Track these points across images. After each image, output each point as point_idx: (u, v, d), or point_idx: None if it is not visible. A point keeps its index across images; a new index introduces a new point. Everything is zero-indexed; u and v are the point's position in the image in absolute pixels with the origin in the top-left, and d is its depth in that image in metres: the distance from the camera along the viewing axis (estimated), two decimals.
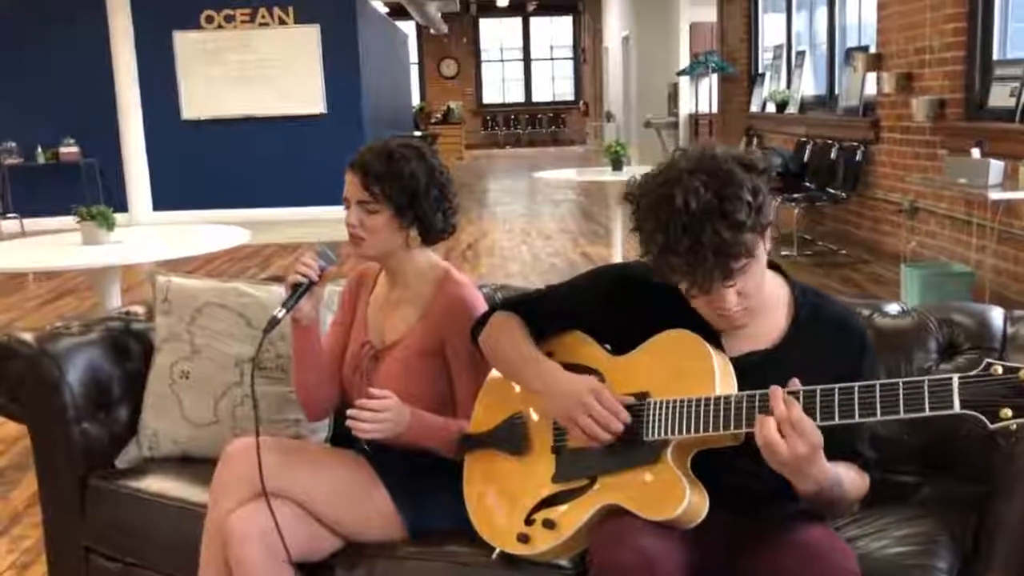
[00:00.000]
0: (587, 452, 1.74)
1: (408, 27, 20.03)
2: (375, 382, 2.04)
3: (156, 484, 2.26)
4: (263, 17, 10.62)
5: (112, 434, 2.38)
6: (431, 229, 2.06)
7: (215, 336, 2.41)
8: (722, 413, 1.58)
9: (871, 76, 7.10)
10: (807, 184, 7.85)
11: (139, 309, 2.64)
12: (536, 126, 24.82)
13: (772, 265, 1.71)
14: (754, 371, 1.64)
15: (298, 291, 2.00)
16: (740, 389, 1.62)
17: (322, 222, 10.20)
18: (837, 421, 1.47)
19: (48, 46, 10.37)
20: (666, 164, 1.61)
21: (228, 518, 1.91)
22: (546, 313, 1.92)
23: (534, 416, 1.87)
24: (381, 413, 1.92)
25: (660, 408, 1.65)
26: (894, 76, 6.40)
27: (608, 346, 1.84)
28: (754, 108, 10.10)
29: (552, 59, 25.40)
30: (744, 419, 1.56)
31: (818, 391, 1.49)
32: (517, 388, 1.92)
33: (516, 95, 25.26)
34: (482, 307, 2.06)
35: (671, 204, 1.53)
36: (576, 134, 24.18)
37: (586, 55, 23.26)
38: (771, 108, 9.41)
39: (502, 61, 25.31)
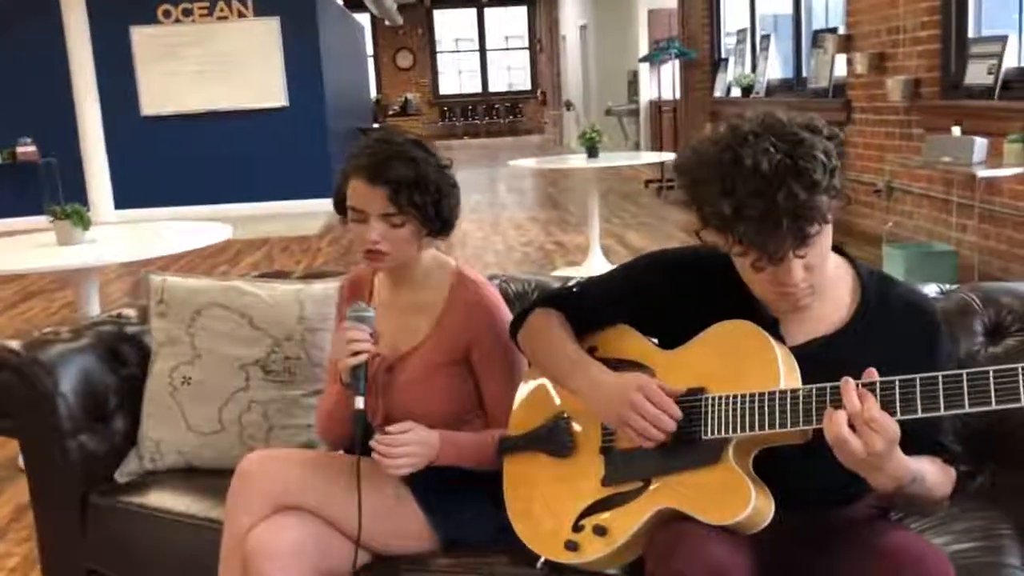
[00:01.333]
0: (639, 452, 1.63)
1: (363, 19, 19.75)
2: (392, 394, 1.92)
3: (161, 499, 2.13)
4: (221, 10, 10.37)
5: (111, 447, 2.24)
6: (446, 228, 1.94)
7: (217, 338, 2.27)
8: (788, 408, 1.48)
9: (840, 58, 7.08)
10: None
11: (131, 312, 2.49)
12: (494, 116, 24.66)
13: (832, 246, 1.62)
14: (818, 358, 1.55)
15: (362, 370, 1.82)
16: (803, 378, 1.52)
17: (286, 216, 10.04)
18: (920, 415, 1.37)
19: (1, 44, 10.04)
20: (725, 130, 1.49)
21: (249, 535, 1.79)
22: (588, 307, 1.81)
23: (579, 415, 1.77)
24: (409, 447, 1.80)
25: (719, 404, 1.55)
26: (867, 57, 6.38)
27: (654, 340, 1.74)
28: (718, 93, 10.07)
29: (508, 49, 25.26)
30: (814, 414, 1.45)
31: (897, 383, 1.38)
32: (557, 387, 1.82)
33: (472, 86, 25.08)
34: (501, 304, 1.95)
35: (740, 166, 1.42)
36: (534, 124, 24.08)
37: (542, 44, 23.16)
38: (736, 93, 9.38)
39: (457, 52, 25.11)
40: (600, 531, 1.64)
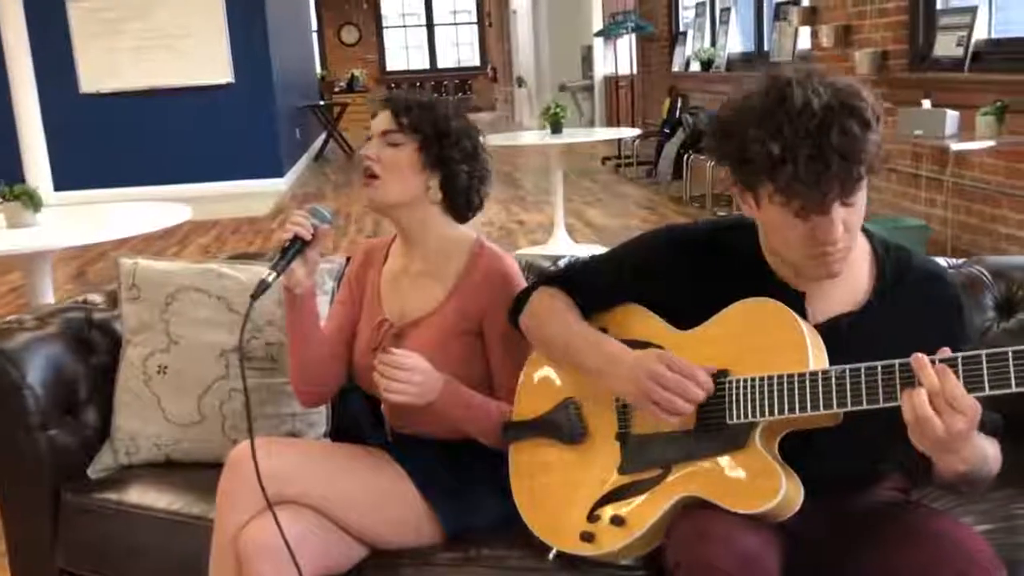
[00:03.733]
0: (659, 438, 1.55)
1: None
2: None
3: (140, 495, 2.00)
4: None
5: (82, 441, 2.10)
6: (455, 186, 1.83)
7: (193, 324, 2.14)
8: (821, 390, 1.40)
9: (804, 31, 7.05)
10: None
11: (97, 297, 2.34)
12: (443, 93, 24.34)
13: None
14: (842, 337, 1.48)
15: (290, 251, 1.74)
16: (829, 356, 1.44)
17: (234, 197, 9.78)
18: (987, 392, 1.28)
19: None
20: (763, 79, 1.42)
21: (243, 532, 1.67)
22: (595, 287, 1.71)
23: (591, 400, 1.68)
24: (408, 372, 1.69)
25: (744, 386, 1.47)
26: (833, 29, 6.35)
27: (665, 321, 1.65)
28: (676, 68, 10.01)
29: (456, 24, 24.97)
30: (848, 396, 1.38)
31: (960, 359, 1.30)
32: (565, 371, 1.72)
33: (420, 62, 24.77)
34: (520, 277, 1.86)
35: (788, 106, 1.34)
36: (484, 100, 23.86)
37: (491, 19, 22.91)
38: (696, 67, 9.33)
39: (404, 27, 24.77)
40: (618, 521, 1.56)
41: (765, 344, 1.49)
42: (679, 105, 9.46)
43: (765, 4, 8.04)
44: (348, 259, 2.15)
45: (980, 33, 5.13)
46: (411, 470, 1.79)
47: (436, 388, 1.71)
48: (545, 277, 1.79)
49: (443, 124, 1.81)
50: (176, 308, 2.14)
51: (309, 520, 1.70)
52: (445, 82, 24.40)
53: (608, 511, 1.57)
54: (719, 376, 1.51)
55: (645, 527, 1.52)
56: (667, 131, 9.14)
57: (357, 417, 2.15)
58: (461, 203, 1.86)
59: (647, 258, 1.66)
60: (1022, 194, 4.69)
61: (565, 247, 6.25)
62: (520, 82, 17.68)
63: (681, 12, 10.31)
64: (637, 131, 8.80)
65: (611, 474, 1.60)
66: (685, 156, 8.04)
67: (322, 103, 15.60)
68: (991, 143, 4.63)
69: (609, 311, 1.70)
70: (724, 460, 1.48)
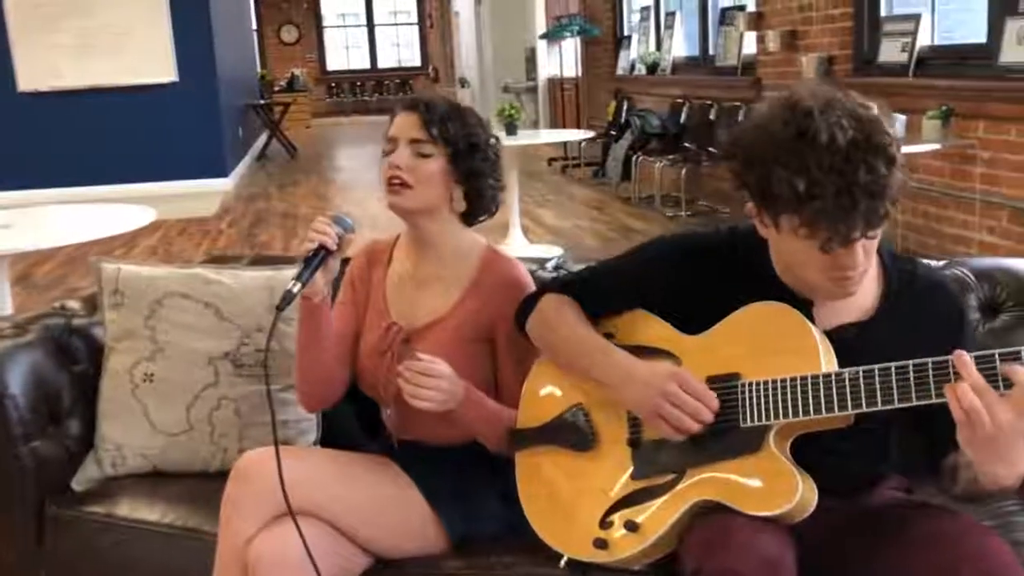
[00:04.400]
0: (671, 443, 1.56)
1: None
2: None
3: (130, 507, 1.95)
4: None
5: (65, 452, 2.04)
6: (479, 197, 1.83)
7: (181, 331, 2.09)
8: (835, 392, 1.43)
9: (749, 35, 7.16)
10: (687, 145, 7.90)
11: (74, 303, 2.28)
12: (384, 93, 24.23)
13: None
14: (850, 344, 1.50)
15: (315, 261, 1.71)
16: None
17: (179, 198, 9.59)
18: (1002, 392, 1.30)
19: None
20: (778, 105, 1.42)
21: (252, 543, 1.65)
22: (603, 293, 1.72)
23: (599, 406, 1.68)
24: (436, 379, 1.68)
25: (757, 390, 1.49)
26: (779, 34, 6.46)
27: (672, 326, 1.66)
28: (622, 70, 10.08)
29: (396, 24, 24.83)
30: (863, 398, 1.40)
31: (997, 355, 1.32)
32: (571, 377, 1.72)
33: (361, 62, 24.58)
34: (532, 285, 1.85)
35: (813, 142, 1.34)
36: None
37: (432, 20, 22.84)
38: (641, 70, 9.41)
39: (344, 27, 24.56)
40: (632, 527, 1.57)
41: (776, 348, 1.51)
42: (625, 107, 9.54)
43: (710, 9, 8.14)
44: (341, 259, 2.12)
45: (924, 40, 5.26)
46: (417, 477, 1.78)
47: (459, 394, 1.71)
48: (553, 282, 1.79)
49: (474, 136, 1.80)
50: (162, 314, 2.10)
51: (317, 529, 1.67)
52: (386, 82, 24.26)
53: (621, 517, 1.58)
54: (730, 380, 1.53)
55: (660, 532, 1.53)
56: (613, 133, 9.21)
57: (346, 424, 2.14)
58: (481, 211, 1.86)
59: (656, 265, 1.68)
60: (967, 196, 4.83)
61: (521, 248, 6.26)
62: (463, 83, 17.65)
63: (626, 16, 10.38)
64: (591, 133, 8.85)
65: (623, 480, 1.61)
66: (634, 157, 8.11)
67: (264, 102, 15.39)
68: (937, 146, 4.77)
69: (616, 317, 1.71)
70: (739, 463, 1.49)
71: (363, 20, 24.51)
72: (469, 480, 1.81)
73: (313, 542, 1.65)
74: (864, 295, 1.55)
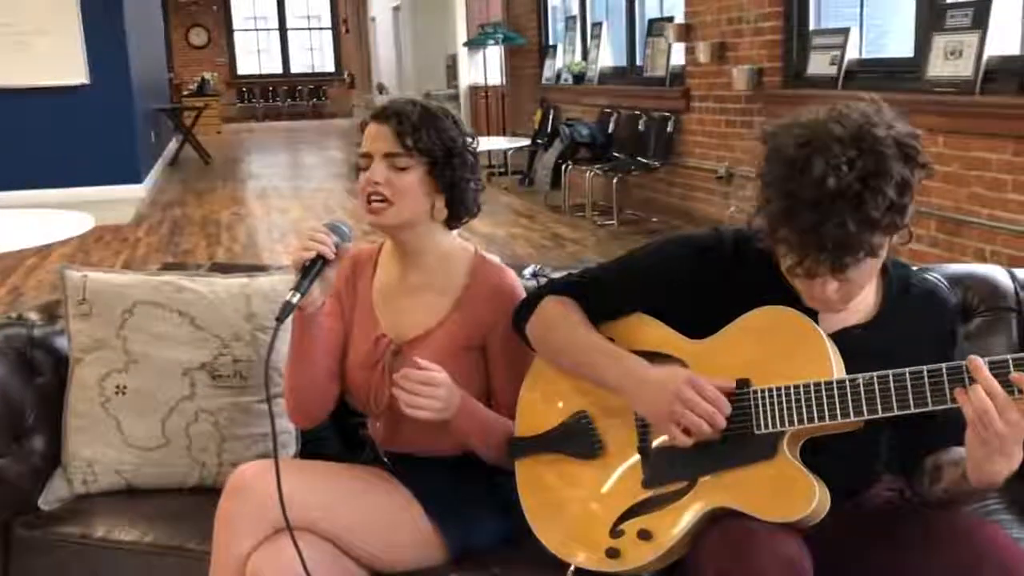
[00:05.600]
0: (682, 451, 1.55)
1: None
2: None
3: (107, 527, 1.85)
4: None
5: (30, 469, 1.93)
6: (461, 202, 1.79)
7: (154, 341, 2.00)
8: (849, 398, 1.44)
9: (678, 47, 7.27)
10: (616, 154, 7.98)
11: (31, 313, 2.16)
12: (296, 98, 23.90)
13: None
14: (854, 348, 1.52)
15: (312, 271, 1.65)
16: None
17: (92, 204, 9.25)
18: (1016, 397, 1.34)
19: None
20: (816, 121, 1.42)
21: (251, 560, 1.58)
22: (606, 295, 1.70)
23: (604, 413, 1.66)
24: (434, 388, 1.64)
25: (770, 396, 1.50)
26: (709, 46, 6.58)
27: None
28: (547, 79, 10.14)
29: (309, 29, 24.51)
30: (879, 403, 1.41)
31: (1010, 359, 1.34)
32: (572, 383, 1.70)
33: (273, 66, 24.19)
34: (523, 292, 1.82)
35: (806, 173, 1.36)
36: (340, 107, 23.50)
37: (348, 26, 22.61)
38: (568, 79, 9.47)
39: (256, 30, 24.13)
40: (645, 535, 1.55)
41: (785, 353, 1.51)
42: (551, 116, 9.59)
43: (638, 20, 8.25)
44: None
45: (852, 53, 5.43)
46: (415, 490, 1.73)
47: (456, 403, 1.67)
48: (553, 284, 1.76)
49: (451, 143, 1.74)
50: (133, 324, 2.00)
51: (315, 545, 1.62)
52: (299, 87, 23.93)
53: (633, 526, 1.56)
54: (741, 386, 1.53)
55: (674, 540, 1.51)
56: (539, 142, 9.24)
57: (323, 435, 2.08)
58: (463, 214, 1.82)
59: (662, 266, 1.66)
60: None
61: None
62: (381, 89, 17.52)
63: (551, 25, 10.44)
64: (525, 141, 8.87)
65: (634, 488, 1.59)
66: (564, 166, 8.15)
67: (174, 107, 14.99)
68: None
69: (617, 321, 1.69)
70: (753, 470, 1.49)
71: (275, 24, 24.14)
72: (466, 491, 1.78)
73: (311, 558, 1.59)
74: (863, 299, 1.57)
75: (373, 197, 1.72)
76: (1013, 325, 2.02)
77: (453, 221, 1.81)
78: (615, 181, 7.49)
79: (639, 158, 7.63)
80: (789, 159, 1.39)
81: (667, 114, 7.36)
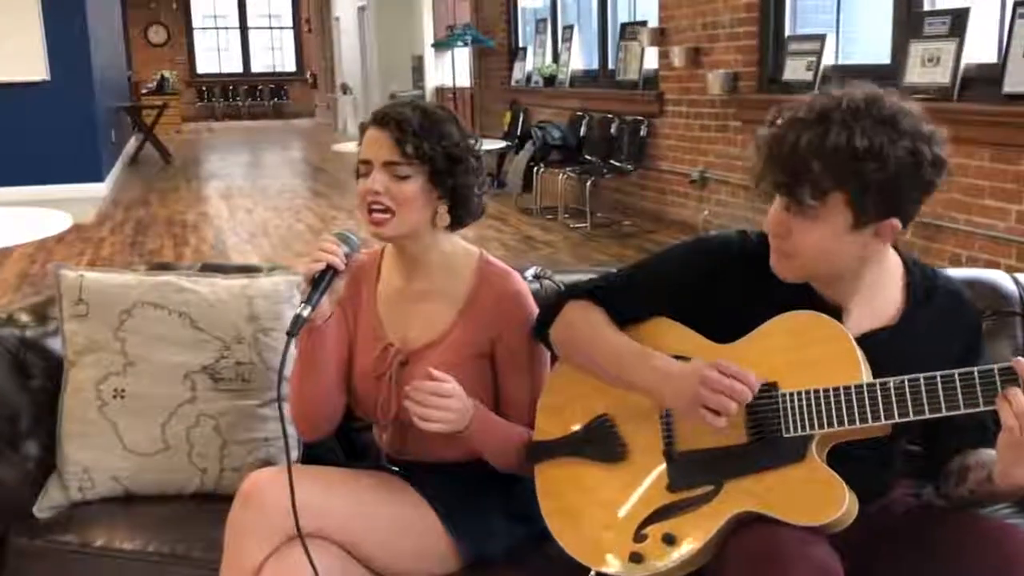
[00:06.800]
0: (709, 454, 1.54)
1: None
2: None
3: (107, 535, 1.79)
4: None
5: (25, 476, 1.86)
6: (465, 206, 1.74)
7: (153, 343, 1.94)
8: (880, 401, 1.43)
9: (651, 51, 7.29)
10: (588, 157, 7.98)
11: (21, 313, 2.08)
12: (257, 98, 23.65)
13: None
14: (879, 349, 1.51)
15: (323, 282, 1.61)
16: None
17: (52, 203, 9.05)
18: None
19: None
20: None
21: (263, 570, 1.53)
22: (629, 299, 1.68)
23: (627, 416, 1.64)
24: (447, 399, 1.60)
25: (799, 399, 1.48)
26: (684, 50, 6.60)
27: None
28: (516, 82, 10.12)
29: (271, 28, 24.27)
30: (910, 407, 1.40)
31: None
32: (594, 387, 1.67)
33: (233, 65, 23.91)
34: (531, 296, 1.79)
35: (822, 101, 1.42)
36: (302, 107, 23.30)
37: (311, 25, 22.42)
38: (538, 82, 9.46)
39: (216, 29, 23.85)
40: (669, 539, 1.53)
41: (813, 356, 1.50)
42: (521, 119, 9.58)
43: (610, 23, 8.25)
44: None
45: (829, 59, 5.47)
46: (429, 497, 1.69)
47: (469, 414, 1.63)
48: (574, 289, 1.74)
49: (453, 149, 1.68)
50: (132, 325, 1.94)
51: (329, 554, 1.58)
52: (259, 87, 23.69)
53: (657, 530, 1.54)
54: (769, 389, 1.51)
55: (699, 545, 1.50)
56: (509, 144, 9.22)
57: (326, 441, 2.03)
58: (467, 218, 1.77)
59: (685, 269, 1.65)
60: None
61: None
62: (345, 89, 17.39)
63: (521, 27, 10.43)
64: (502, 144, 8.84)
65: (658, 492, 1.57)
66: (535, 169, 8.13)
67: (134, 105, 14.75)
68: None
69: (639, 325, 1.67)
70: (782, 474, 1.48)
71: (236, 22, 23.87)
72: (480, 498, 1.74)
73: (325, 568, 1.55)
74: (890, 300, 1.57)
75: (374, 206, 1.67)
76: (1018, 329, 2.03)
77: (456, 225, 1.77)
78: (588, 184, 7.48)
79: (612, 161, 7.63)
80: (802, 106, 1.44)
81: (640, 118, 7.37)
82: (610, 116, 7.82)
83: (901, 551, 1.52)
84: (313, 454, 2.00)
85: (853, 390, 1.45)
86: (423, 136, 1.65)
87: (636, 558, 1.55)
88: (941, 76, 4.46)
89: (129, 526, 1.80)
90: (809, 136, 1.39)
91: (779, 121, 1.45)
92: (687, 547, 1.51)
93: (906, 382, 1.42)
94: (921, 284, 1.60)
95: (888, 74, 4.88)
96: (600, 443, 1.65)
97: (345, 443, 2.02)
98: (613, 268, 2.21)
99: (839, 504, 1.42)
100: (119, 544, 1.76)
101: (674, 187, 7.11)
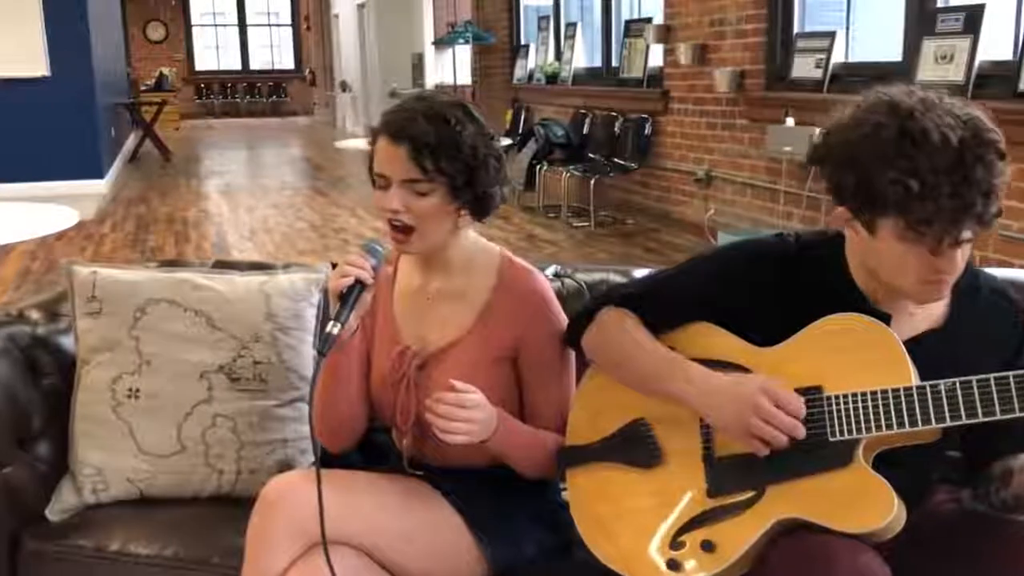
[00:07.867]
0: (751, 459, 1.48)
1: None
2: (428, 396, 1.62)
3: (123, 539, 1.73)
4: None
5: (37, 477, 1.81)
6: (487, 207, 1.67)
7: (169, 342, 1.89)
8: (931, 405, 1.38)
9: (656, 48, 7.24)
10: (591, 155, 7.93)
11: (31, 310, 2.03)
12: (255, 95, 23.59)
13: None
14: (928, 353, 1.46)
15: (351, 297, 1.55)
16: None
17: (53, 199, 8.98)
18: None
19: None
20: (879, 107, 1.38)
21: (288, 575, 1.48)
22: (667, 304, 1.62)
23: (663, 420, 1.59)
24: (470, 410, 1.55)
25: (846, 403, 1.43)
26: (690, 48, 6.55)
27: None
28: (518, 79, 10.06)
29: (270, 25, 24.20)
30: (962, 410, 1.36)
31: None
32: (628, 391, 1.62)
33: (232, 62, 23.84)
34: (554, 297, 1.73)
35: (924, 141, 1.31)
36: (301, 105, 23.24)
37: (309, 23, 22.36)
38: (541, 79, 9.40)
39: (215, 26, 23.78)
40: (708, 546, 1.48)
41: (860, 360, 1.45)
42: (523, 116, 9.52)
43: (614, 20, 8.20)
44: (334, 265, 1.96)
45: (838, 57, 5.42)
46: (456, 503, 1.64)
47: (493, 424, 1.58)
48: (608, 295, 1.68)
49: (472, 158, 1.59)
50: (146, 323, 1.89)
51: (355, 563, 1.52)
52: (258, 84, 23.64)
53: (695, 537, 1.49)
54: (812, 392, 1.46)
55: (739, 552, 1.44)
56: (511, 142, 9.17)
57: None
58: (488, 214, 1.70)
59: (725, 275, 1.59)
60: None
61: None
62: (344, 87, 17.32)
63: (523, 24, 10.37)
64: (507, 141, 8.79)
65: (697, 498, 1.52)
66: (538, 167, 8.08)
67: (133, 102, 14.68)
68: None
69: (679, 330, 1.62)
70: (827, 478, 1.43)
71: (234, 19, 23.81)
72: (507, 504, 1.68)
73: (348, 574, 1.50)
74: (937, 305, 1.52)
75: (394, 223, 1.61)
76: None
77: (476, 220, 1.70)
78: (592, 182, 7.43)
79: (615, 159, 7.58)
80: (893, 142, 1.33)
81: (644, 116, 7.32)
82: (614, 114, 7.77)
83: (953, 560, 1.47)
84: (331, 456, 1.95)
85: (903, 392, 1.40)
86: (441, 150, 1.57)
87: (674, 566, 1.50)
88: (954, 74, 4.41)
89: (145, 529, 1.75)
90: (989, 156, 1.32)
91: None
92: (728, 555, 1.46)
93: (958, 385, 1.38)
94: (965, 283, 1.55)
95: (900, 71, 4.84)
96: (635, 447, 1.59)
97: (365, 444, 1.96)
98: (615, 267, 2.18)
99: (887, 511, 1.37)
100: (136, 548, 1.71)
101: (678, 185, 7.06)
